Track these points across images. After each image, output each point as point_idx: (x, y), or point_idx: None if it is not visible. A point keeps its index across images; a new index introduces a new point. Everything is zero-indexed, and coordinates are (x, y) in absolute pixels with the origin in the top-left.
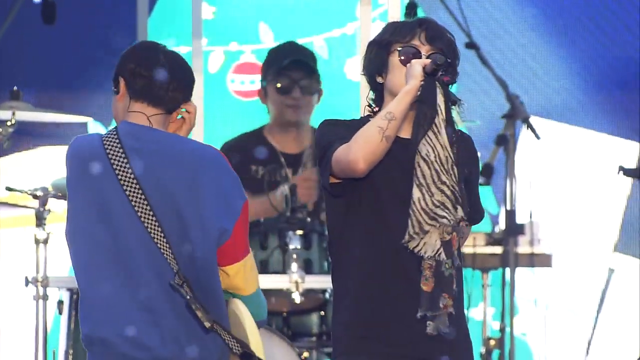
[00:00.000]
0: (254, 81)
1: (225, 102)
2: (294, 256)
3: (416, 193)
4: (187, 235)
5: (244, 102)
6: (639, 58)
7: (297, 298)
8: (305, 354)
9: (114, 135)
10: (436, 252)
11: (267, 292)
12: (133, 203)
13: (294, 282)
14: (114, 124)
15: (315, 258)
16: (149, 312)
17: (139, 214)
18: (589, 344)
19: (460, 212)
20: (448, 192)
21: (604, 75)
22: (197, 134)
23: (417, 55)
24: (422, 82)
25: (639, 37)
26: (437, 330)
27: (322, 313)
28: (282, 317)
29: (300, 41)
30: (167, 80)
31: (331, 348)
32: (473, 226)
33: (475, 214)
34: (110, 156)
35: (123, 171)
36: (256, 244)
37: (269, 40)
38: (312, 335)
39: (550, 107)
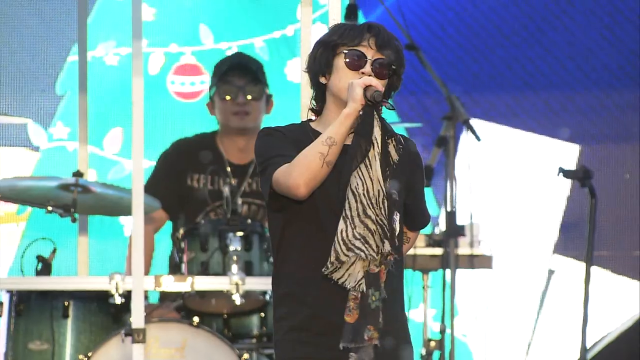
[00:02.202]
0: (194, 82)
1: (166, 104)
2: (234, 258)
3: (341, 224)
4: None
5: (184, 104)
6: (580, 61)
7: (237, 300)
8: (246, 356)
9: None
10: (357, 283)
11: (208, 294)
12: None
13: (234, 283)
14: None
15: (256, 259)
16: None
17: None
18: (529, 345)
19: (387, 247)
20: (372, 227)
21: (545, 78)
22: (138, 136)
23: (363, 58)
24: (361, 112)
25: (578, 39)
26: None
27: (262, 315)
28: (222, 319)
29: (241, 43)
30: None
31: (271, 349)
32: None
33: (420, 217)
34: None
35: None
36: (197, 245)
37: (209, 42)
38: (253, 337)
39: (491, 109)
